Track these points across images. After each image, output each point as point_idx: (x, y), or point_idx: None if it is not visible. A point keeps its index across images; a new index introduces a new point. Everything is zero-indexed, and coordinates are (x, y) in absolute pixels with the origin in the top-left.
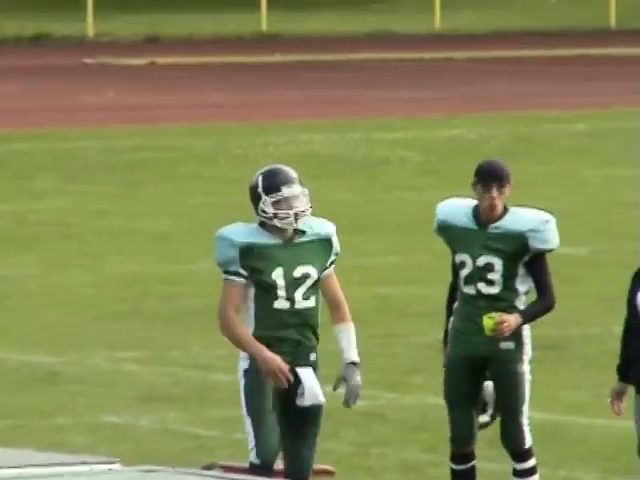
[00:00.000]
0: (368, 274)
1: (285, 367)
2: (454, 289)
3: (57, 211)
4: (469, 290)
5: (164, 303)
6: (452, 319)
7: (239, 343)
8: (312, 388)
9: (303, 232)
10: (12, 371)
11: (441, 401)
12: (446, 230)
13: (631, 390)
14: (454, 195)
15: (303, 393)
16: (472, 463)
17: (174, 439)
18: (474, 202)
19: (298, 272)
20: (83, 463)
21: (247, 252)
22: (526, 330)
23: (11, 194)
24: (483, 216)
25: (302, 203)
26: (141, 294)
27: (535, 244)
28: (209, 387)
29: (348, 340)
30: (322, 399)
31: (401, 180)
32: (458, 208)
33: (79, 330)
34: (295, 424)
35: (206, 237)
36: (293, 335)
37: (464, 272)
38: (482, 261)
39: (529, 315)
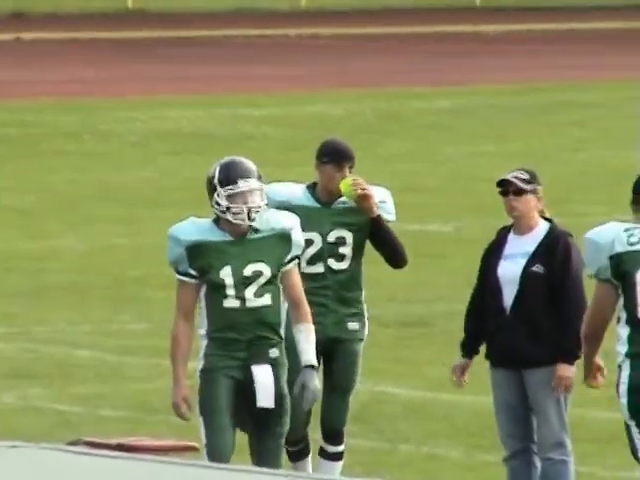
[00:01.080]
0: None
1: (182, 405)
2: None
3: None
4: (316, 269)
5: (28, 279)
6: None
7: (170, 358)
8: (265, 388)
9: (257, 229)
10: None
11: None
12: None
13: (485, 365)
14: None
15: (257, 394)
16: (305, 443)
17: (38, 416)
18: (301, 184)
19: (249, 270)
20: None
21: (195, 251)
22: (366, 312)
23: None
24: (324, 195)
25: (257, 199)
26: (5, 270)
27: (383, 215)
28: (73, 364)
29: (307, 342)
30: (272, 403)
31: (266, 156)
32: (294, 189)
33: None
34: (258, 424)
35: (71, 213)
36: (245, 334)
37: (310, 251)
38: (333, 236)
39: (386, 226)
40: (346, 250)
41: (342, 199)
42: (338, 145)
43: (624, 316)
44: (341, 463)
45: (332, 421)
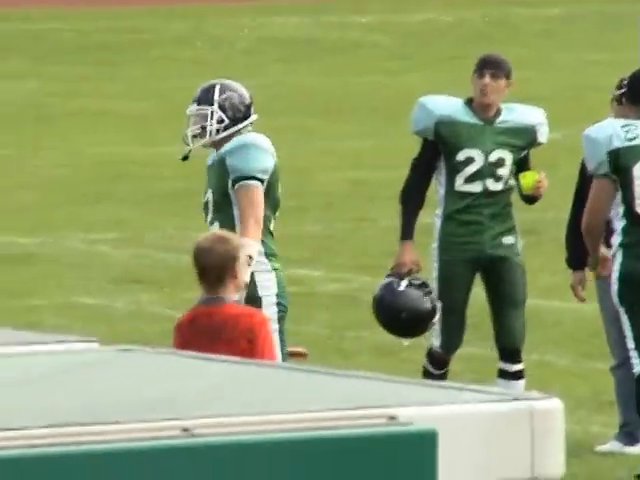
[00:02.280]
0: (340, 158)
1: None
2: (416, 187)
3: (30, 93)
4: (473, 187)
5: (139, 185)
6: (440, 225)
7: None
8: None
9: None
10: None
11: None
12: (448, 125)
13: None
14: (427, 79)
15: None
16: (447, 368)
17: (149, 321)
18: (458, 98)
19: None
20: (60, 342)
21: None
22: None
23: None
24: (482, 110)
25: (190, 125)
26: (115, 176)
27: (540, 138)
28: (183, 269)
29: None
30: None
31: (374, 64)
32: (454, 102)
33: (53, 212)
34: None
35: (181, 120)
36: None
37: (470, 169)
38: (495, 156)
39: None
40: (504, 171)
41: (503, 117)
42: (497, 57)
43: (621, 210)
44: (524, 382)
45: (511, 339)
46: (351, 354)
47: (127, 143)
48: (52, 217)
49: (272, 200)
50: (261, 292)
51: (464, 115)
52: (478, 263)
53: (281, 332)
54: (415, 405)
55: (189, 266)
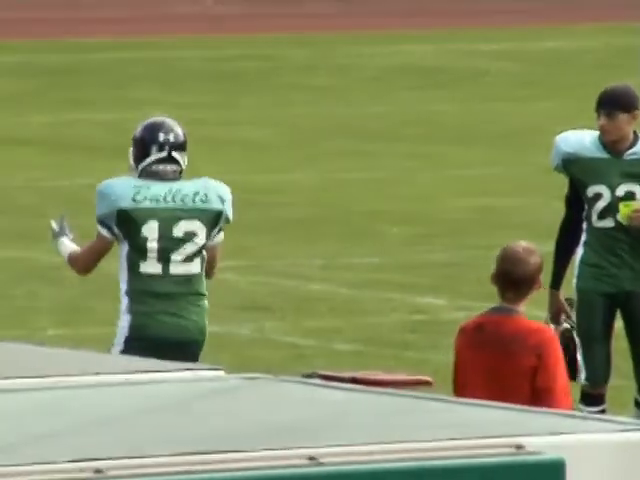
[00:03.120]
0: (468, 185)
1: None
2: (570, 224)
3: None
4: (606, 223)
5: (263, 213)
6: (581, 255)
7: None
8: None
9: None
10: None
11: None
12: (574, 163)
13: None
14: (555, 106)
15: None
16: (603, 406)
17: (272, 348)
18: (594, 132)
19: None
20: (188, 370)
21: None
22: None
23: (110, 103)
24: (611, 144)
25: None
26: (240, 203)
27: None
28: (307, 297)
29: None
30: None
31: (501, 91)
32: (582, 139)
33: None
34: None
35: (305, 147)
36: None
37: (600, 205)
38: (622, 190)
39: None
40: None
41: (635, 149)
42: (612, 92)
43: None
44: None
45: None
46: None
47: (252, 170)
48: None
49: (134, 242)
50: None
51: (592, 151)
52: (616, 297)
53: None
54: (542, 434)
55: (312, 294)
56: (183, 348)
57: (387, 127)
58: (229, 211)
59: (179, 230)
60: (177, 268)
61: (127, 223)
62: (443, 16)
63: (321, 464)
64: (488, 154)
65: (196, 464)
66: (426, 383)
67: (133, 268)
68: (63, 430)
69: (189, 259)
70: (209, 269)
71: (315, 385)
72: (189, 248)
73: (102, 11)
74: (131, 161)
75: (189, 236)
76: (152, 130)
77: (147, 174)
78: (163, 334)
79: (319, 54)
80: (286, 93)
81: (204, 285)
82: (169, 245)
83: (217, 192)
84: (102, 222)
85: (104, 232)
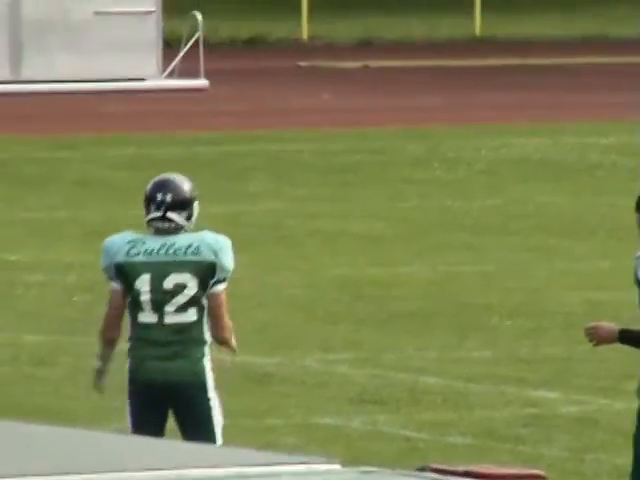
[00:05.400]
0: (580, 279)
1: None
2: None
3: (270, 213)
4: None
5: (376, 305)
6: None
7: None
8: None
9: None
10: (226, 371)
11: None
12: None
13: None
14: None
15: None
16: None
17: (385, 441)
18: None
19: None
20: (302, 463)
21: None
22: None
23: (225, 196)
24: None
25: None
26: (353, 296)
27: None
28: (421, 390)
29: None
30: None
31: (613, 185)
32: None
33: (291, 331)
34: None
35: (418, 240)
36: None
37: None
38: None
39: None
40: None
41: None
42: None
43: None
44: None
45: None
46: (591, 477)
47: (365, 264)
48: (291, 337)
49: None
50: None
51: None
52: None
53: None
54: None
55: (425, 387)
56: (172, 390)
57: (498, 220)
58: (225, 261)
59: (169, 282)
60: (171, 318)
61: (123, 276)
62: (552, 108)
63: None
64: (599, 247)
65: None
66: (540, 477)
67: (133, 317)
68: None
69: (182, 309)
70: (215, 320)
71: (430, 479)
72: (180, 299)
73: (217, 105)
74: None
75: (179, 288)
76: (153, 189)
77: (149, 228)
78: (149, 376)
79: (429, 147)
80: (398, 186)
81: (203, 333)
82: (160, 297)
83: (209, 244)
84: (108, 276)
85: (112, 284)
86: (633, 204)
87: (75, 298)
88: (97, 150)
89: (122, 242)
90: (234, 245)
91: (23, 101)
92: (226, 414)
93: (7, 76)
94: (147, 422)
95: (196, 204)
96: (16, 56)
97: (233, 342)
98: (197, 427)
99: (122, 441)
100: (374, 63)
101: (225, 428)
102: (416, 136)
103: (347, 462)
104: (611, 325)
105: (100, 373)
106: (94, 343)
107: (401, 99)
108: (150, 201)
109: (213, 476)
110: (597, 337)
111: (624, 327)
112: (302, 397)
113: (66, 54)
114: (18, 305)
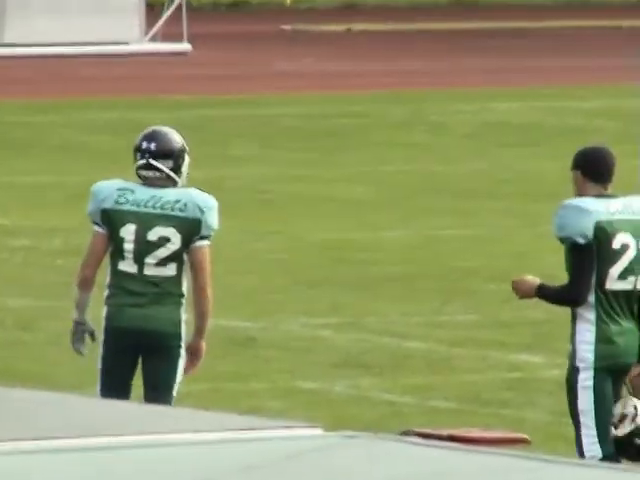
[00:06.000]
0: None
1: None
2: None
3: (253, 177)
4: None
5: (359, 270)
6: None
7: None
8: None
9: None
10: (209, 335)
11: None
12: None
13: None
14: None
15: None
16: None
17: (369, 406)
18: None
19: None
20: (285, 427)
21: None
22: None
23: (207, 160)
24: None
25: None
26: (337, 260)
27: None
28: (404, 355)
29: None
30: None
31: None
32: None
33: (275, 296)
34: None
35: (401, 205)
36: None
37: None
38: None
39: None
40: None
41: None
42: None
43: None
44: None
45: None
46: (574, 441)
47: (348, 228)
48: (274, 301)
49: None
50: None
51: None
52: None
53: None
54: None
55: (409, 351)
56: (151, 337)
57: (483, 184)
58: (211, 220)
59: (154, 234)
60: (151, 270)
61: (109, 223)
62: (536, 72)
63: None
64: None
65: None
66: (523, 441)
67: (113, 265)
68: None
69: (162, 263)
70: (197, 275)
71: (413, 443)
72: (162, 252)
73: (199, 69)
74: None
75: (162, 241)
76: (140, 139)
77: (138, 178)
78: (128, 323)
79: (412, 111)
80: (382, 150)
81: (181, 287)
82: (143, 248)
83: (196, 202)
84: (92, 220)
85: (95, 227)
86: (619, 166)
87: (59, 262)
88: (80, 114)
89: (111, 189)
90: (222, 210)
91: (6, 65)
92: (210, 378)
93: None
94: (117, 366)
95: (185, 157)
96: None
97: (207, 322)
98: (162, 374)
99: (106, 406)
100: (357, 27)
101: (208, 392)
102: (399, 100)
103: (330, 426)
104: (533, 280)
105: (78, 326)
106: None
107: (384, 63)
108: (137, 150)
109: (197, 441)
110: (520, 291)
111: (543, 282)
112: (286, 361)
113: (49, 17)
114: (2, 270)
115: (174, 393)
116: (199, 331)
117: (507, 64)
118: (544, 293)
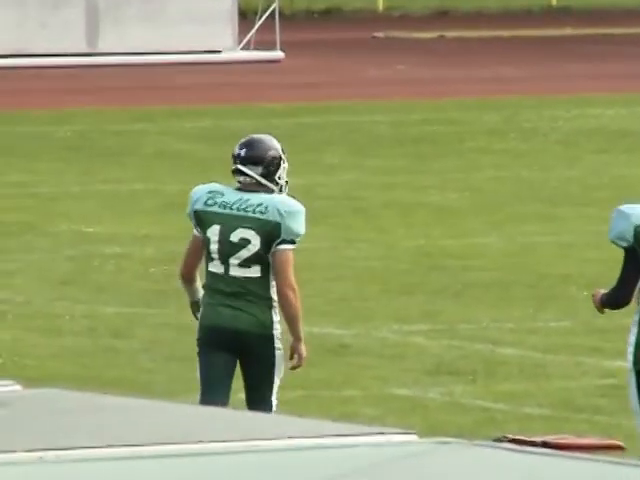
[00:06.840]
0: None
1: None
2: None
3: (346, 185)
4: None
5: (452, 276)
6: None
7: None
8: None
9: None
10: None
11: None
12: None
13: None
14: None
15: None
16: None
17: (462, 412)
18: None
19: None
20: (380, 434)
21: None
22: None
23: (301, 168)
24: None
25: None
26: (429, 267)
27: None
28: (497, 361)
29: None
30: None
31: None
32: None
33: (367, 303)
34: None
35: (494, 211)
36: None
37: None
38: None
39: None
40: None
41: None
42: None
43: None
44: None
45: None
46: None
47: (440, 235)
48: (367, 308)
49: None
50: None
51: None
52: None
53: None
54: None
55: (502, 357)
56: (242, 337)
57: (576, 191)
58: (292, 224)
59: (235, 236)
60: (235, 271)
61: (199, 224)
62: (629, 78)
63: None
64: None
65: None
66: (618, 448)
67: (206, 266)
68: None
69: (245, 264)
70: (277, 279)
71: (507, 449)
72: (243, 254)
73: (292, 76)
74: None
75: (243, 242)
76: (236, 146)
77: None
78: (219, 322)
79: (505, 118)
80: (474, 157)
81: (269, 290)
82: (227, 249)
83: (277, 206)
84: (191, 222)
85: (194, 230)
86: None
87: (152, 270)
88: (173, 122)
89: (203, 191)
90: (310, 217)
91: (100, 73)
92: (303, 385)
93: (84, 48)
94: (216, 365)
95: (280, 164)
96: (93, 28)
97: (300, 327)
98: (257, 375)
99: (198, 413)
100: (450, 33)
101: (302, 399)
102: (492, 107)
103: (424, 433)
104: (598, 291)
105: (194, 305)
106: (171, 315)
107: (477, 69)
108: (232, 156)
109: (290, 447)
110: (595, 305)
111: (605, 290)
112: (379, 368)
113: (142, 26)
114: (95, 277)
115: (274, 394)
116: (292, 334)
117: (600, 70)
118: (602, 300)
